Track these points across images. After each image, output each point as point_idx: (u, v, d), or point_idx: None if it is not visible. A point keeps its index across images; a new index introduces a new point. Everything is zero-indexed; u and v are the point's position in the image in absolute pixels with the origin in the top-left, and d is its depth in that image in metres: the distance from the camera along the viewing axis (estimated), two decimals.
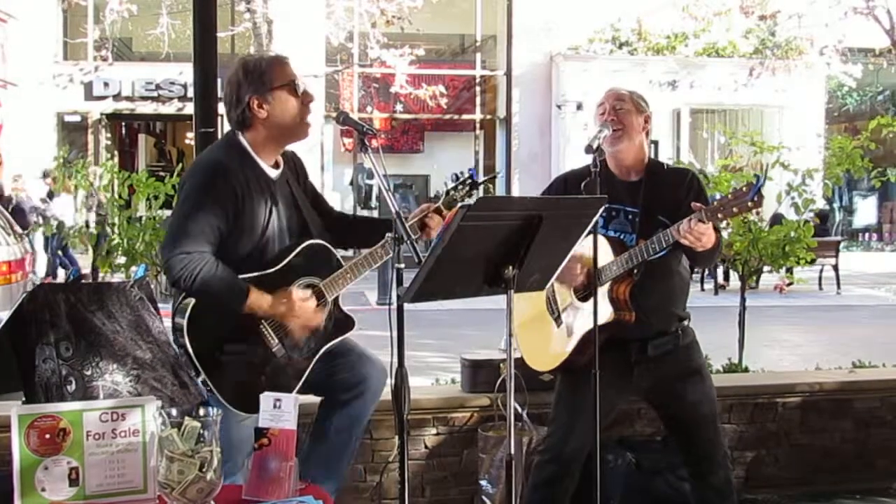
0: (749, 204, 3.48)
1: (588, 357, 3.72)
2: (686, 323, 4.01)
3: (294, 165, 3.64)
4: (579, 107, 21.34)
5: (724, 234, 5.83)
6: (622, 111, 3.85)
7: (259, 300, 3.30)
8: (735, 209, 3.49)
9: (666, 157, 20.54)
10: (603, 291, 3.69)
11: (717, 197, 3.63)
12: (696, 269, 4.12)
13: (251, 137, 3.43)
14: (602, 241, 3.69)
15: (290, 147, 3.60)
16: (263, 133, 3.42)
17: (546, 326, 3.96)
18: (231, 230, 3.33)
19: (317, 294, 3.43)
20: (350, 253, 3.79)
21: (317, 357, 3.48)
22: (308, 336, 3.44)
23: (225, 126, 3.68)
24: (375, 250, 3.43)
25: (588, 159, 3.58)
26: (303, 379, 3.45)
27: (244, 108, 3.39)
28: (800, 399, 5.48)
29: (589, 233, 3.11)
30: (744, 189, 3.49)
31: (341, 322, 3.54)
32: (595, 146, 3.59)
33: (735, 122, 23.15)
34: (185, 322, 3.27)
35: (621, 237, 3.82)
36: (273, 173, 3.48)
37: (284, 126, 3.42)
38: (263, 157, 3.45)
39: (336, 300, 3.50)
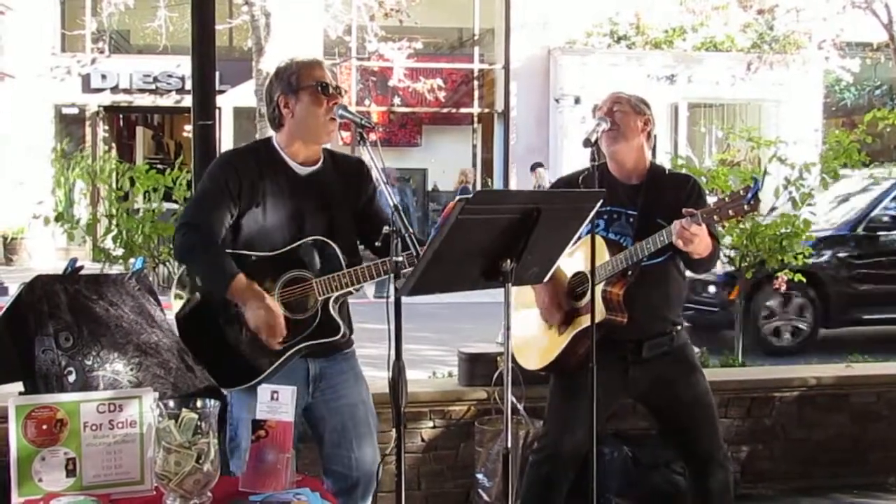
0: (745, 207, 3.47)
1: (580, 356, 3.72)
2: (679, 328, 3.99)
3: (348, 170, 3.63)
4: (577, 101, 21.30)
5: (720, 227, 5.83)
6: (619, 112, 3.83)
7: (240, 287, 3.30)
8: (731, 212, 3.49)
9: (664, 151, 20.51)
10: (597, 291, 3.67)
11: (715, 199, 3.62)
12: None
13: (281, 136, 3.54)
14: (600, 241, 3.67)
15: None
16: (290, 132, 3.51)
17: (537, 324, 3.96)
18: (238, 215, 3.43)
19: (304, 290, 3.41)
20: None
21: (293, 350, 3.41)
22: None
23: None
24: (378, 264, 3.39)
25: (586, 153, 3.58)
26: (275, 365, 3.37)
27: (274, 106, 3.51)
28: (796, 394, 5.49)
29: (588, 231, 3.10)
30: (741, 192, 3.48)
31: (326, 327, 3.44)
32: (593, 139, 3.59)
33: (733, 117, 23.13)
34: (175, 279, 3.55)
35: (621, 240, 3.81)
36: (303, 171, 3.51)
37: (308, 126, 3.46)
38: (292, 155, 3.51)
39: (327, 303, 3.42)
